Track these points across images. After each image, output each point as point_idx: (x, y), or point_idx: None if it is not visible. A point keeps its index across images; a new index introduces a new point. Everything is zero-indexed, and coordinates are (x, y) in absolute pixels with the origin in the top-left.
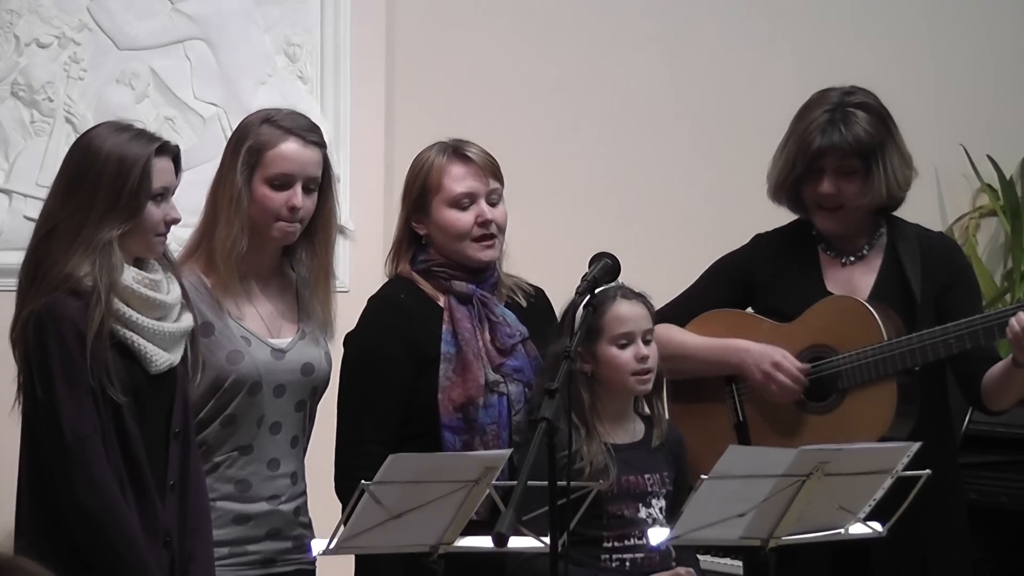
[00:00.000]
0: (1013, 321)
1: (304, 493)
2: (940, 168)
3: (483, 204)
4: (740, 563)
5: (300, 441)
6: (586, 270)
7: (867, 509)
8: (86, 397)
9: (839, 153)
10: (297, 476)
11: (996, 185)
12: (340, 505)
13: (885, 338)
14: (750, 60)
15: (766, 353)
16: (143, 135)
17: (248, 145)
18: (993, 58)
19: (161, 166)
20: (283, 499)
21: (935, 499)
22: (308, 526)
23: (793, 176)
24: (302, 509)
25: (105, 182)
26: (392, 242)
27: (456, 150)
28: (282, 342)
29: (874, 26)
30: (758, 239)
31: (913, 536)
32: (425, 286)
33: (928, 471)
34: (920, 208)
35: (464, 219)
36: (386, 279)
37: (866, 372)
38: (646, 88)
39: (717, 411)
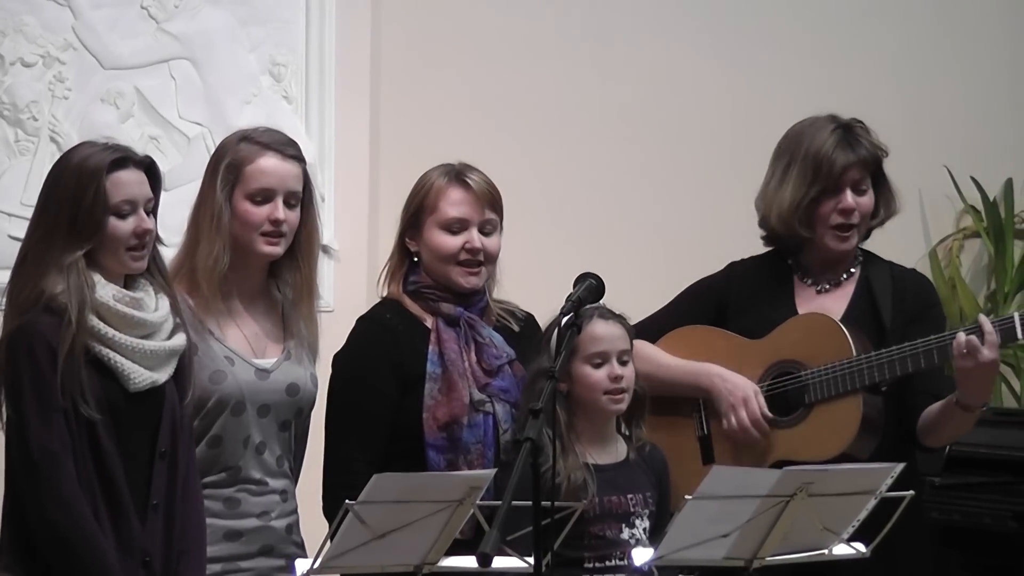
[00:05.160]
0: (960, 333)
1: (296, 512)
2: (924, 189)
3: (474, 232)
4: None
5: (286, 460)
6: (571, 290)
7: (851, 530)
8: (55, 414)
9: (861, 167)
10: (287, 494)
11: (980, 206)
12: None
13: (854, 354)
14: (736, 82)
15: (739, 386)
16: (106, 150)
17: (227, 163)
18: (976, 79)
19: (123, 178)
20: (274, 515)
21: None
22: (301, 546)
23: (811, 197)
24: (294, 528)
25: (66, 202)
26: (387, 260)
27: (459, 175)
28: (267, 362)
29: (858, 48)
30: (732, 266)
31: (878, 559)
32: (413, 307)
33: (912, 492)
34: (904, 229)
35: (452, 243)
36: (373, 298)
37: (833, 386)
38: (631, 109)
39: (683, 423)
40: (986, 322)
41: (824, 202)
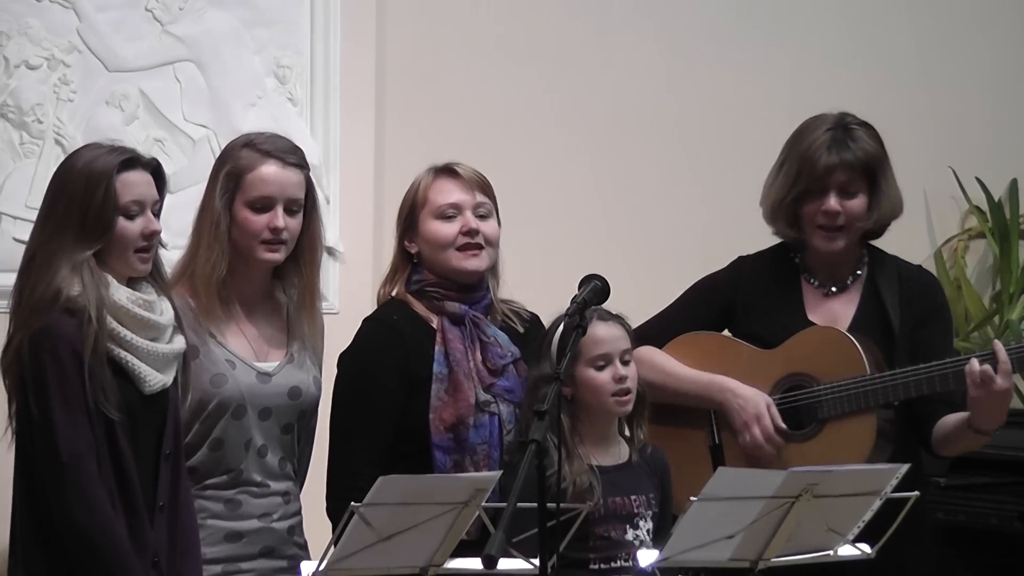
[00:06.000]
0: (974, 361)
1: (299, 513)
2: (929, 190)
3: (469, 215)
4: None
5: (289, 463)
6: (575, 292)
7: (856, 531)
8: (81, 416)
9: (847, 170)
10: (290, 496)
11: (985, 207)
12: (333, 526)
13: (867, 371)
14: (742, 82)
15: (752, 401)
16: (113, 151)
17: (227, 170)
18: (982, 80)
19: (131, 179)
20: (275, 517)
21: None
22: (303, 547)
23: (793, 195)
24: (296, 529)
25: (75, 202)
26: (389, 265)
27: (444, 168)
28: (269, 366)
29: (865, 49)
30: (740, 262)
31: (883, 559)
32: (419, 308)
33: (917, 492)
34: (909, 230)
35: (448, 229)
36: (376, 301)
37: (847, 404)
38: (636, 109)
39: (694, 432)
40: (1001, 350)
41: (808, 203)
